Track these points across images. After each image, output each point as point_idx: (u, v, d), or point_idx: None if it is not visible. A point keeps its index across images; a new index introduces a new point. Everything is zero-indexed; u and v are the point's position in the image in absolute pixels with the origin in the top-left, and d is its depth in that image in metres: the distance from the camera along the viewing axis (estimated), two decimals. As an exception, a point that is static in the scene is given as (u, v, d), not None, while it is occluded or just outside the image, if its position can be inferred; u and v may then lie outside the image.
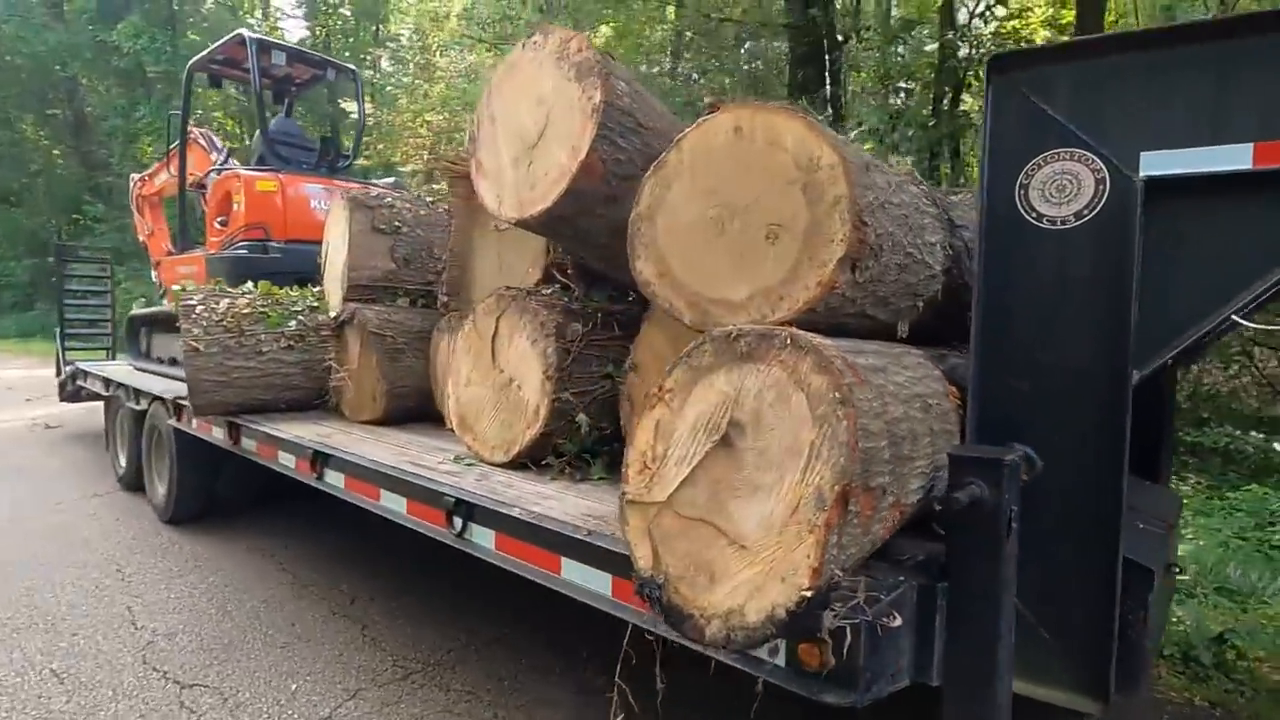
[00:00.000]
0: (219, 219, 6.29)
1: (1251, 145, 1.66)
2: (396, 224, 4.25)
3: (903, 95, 10.58)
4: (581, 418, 2.78)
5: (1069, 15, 9.68)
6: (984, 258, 1.85)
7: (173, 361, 6.09)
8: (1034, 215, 1.88)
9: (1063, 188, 1.88)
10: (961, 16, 10.40)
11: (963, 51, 9.54)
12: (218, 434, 4.27)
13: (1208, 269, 1.73)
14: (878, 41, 10.37)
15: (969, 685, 1.58)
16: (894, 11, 11.70)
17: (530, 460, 2.86)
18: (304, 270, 5.88)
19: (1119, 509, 1.77)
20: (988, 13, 10.06)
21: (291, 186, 6.10)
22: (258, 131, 6.58)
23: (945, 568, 1.61)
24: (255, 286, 4.51)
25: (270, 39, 7.00)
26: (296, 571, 4.37)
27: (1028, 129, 1.87)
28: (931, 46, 10.21)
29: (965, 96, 10.06)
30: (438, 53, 20.83)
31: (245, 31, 6.44)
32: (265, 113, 6.43)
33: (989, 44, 9.71)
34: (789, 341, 1.37)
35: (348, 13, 25.39)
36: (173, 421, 4.80)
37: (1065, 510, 1.79)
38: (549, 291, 3.02)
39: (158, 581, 4.18)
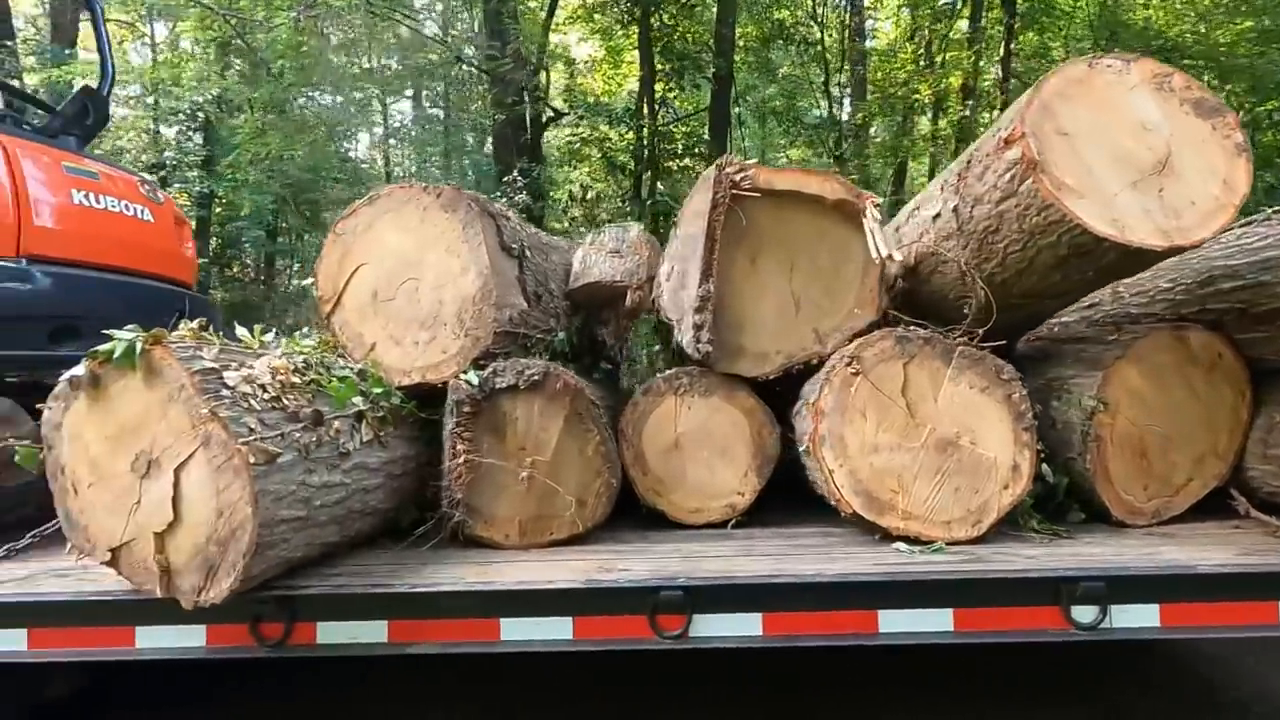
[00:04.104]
0: None
1: None
2: (522, 244, 2.87)
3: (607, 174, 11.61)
4: (1045, 468, 2.53)
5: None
6: None
7: None
8: None
9: None
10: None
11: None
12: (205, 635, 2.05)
13: None
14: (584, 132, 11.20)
15: None
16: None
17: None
18: (78, 316, 3.24)
19: None
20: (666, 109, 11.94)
21: (30, 157, 3.23)
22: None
23: None
24: (251, 332, 2.35)
25: None
26: None
27: None
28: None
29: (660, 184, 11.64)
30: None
31: None
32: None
33: (680, 136, 11.59)
34: None
35: None
36: None
37: None
38: (930, 331, 2.62)
39: None
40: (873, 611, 2.05)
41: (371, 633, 2.09)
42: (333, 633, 2.09)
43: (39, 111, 4.46)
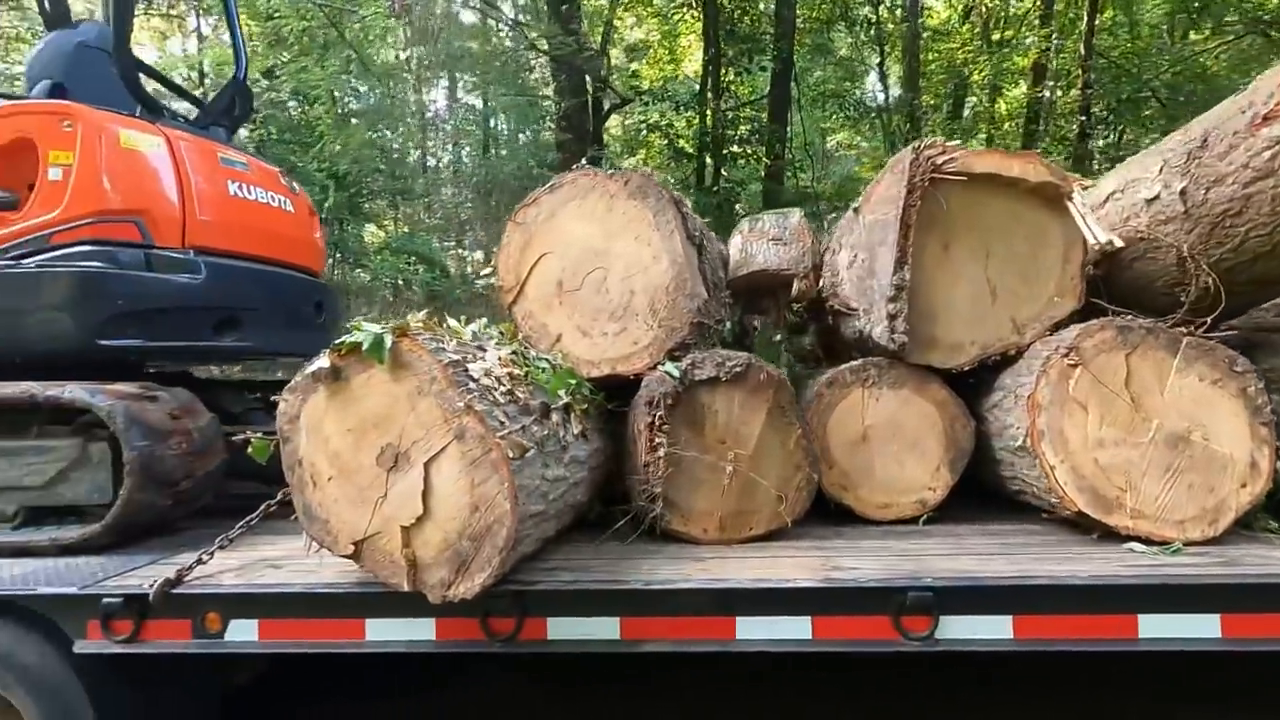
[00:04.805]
0: (-14, 193, 2.89)
1: None
2: (701, 231, 2.80)
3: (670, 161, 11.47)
4: None
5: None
6: None
7: None
8: None
9: None
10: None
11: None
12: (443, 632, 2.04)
13: None
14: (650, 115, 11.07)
15: None
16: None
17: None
18: (239, 307, 3.27)
19: None
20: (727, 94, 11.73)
21: (191, 150, 3.25)
22: (64, 34, 3.28)
23: None
24: (461, 322, 2.33)
25: None
26: None
27: None
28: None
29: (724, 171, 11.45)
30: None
31: None
32: None
33: (744, 121, 11.40)
34: None
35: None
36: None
37: None
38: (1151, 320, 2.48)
39: None
40: (1132, 616, 1.95)
41: (604, 629, 2.05)
42: (564, 629, 2.06)
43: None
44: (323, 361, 1.94)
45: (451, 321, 2.32)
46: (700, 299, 2.66)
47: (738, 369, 2.43)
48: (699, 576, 2.10)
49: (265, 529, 2.47)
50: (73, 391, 2.56)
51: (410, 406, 1.88)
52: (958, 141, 2.61)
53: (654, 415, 2.43)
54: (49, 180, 2.93)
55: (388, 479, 1.91)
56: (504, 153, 14.78)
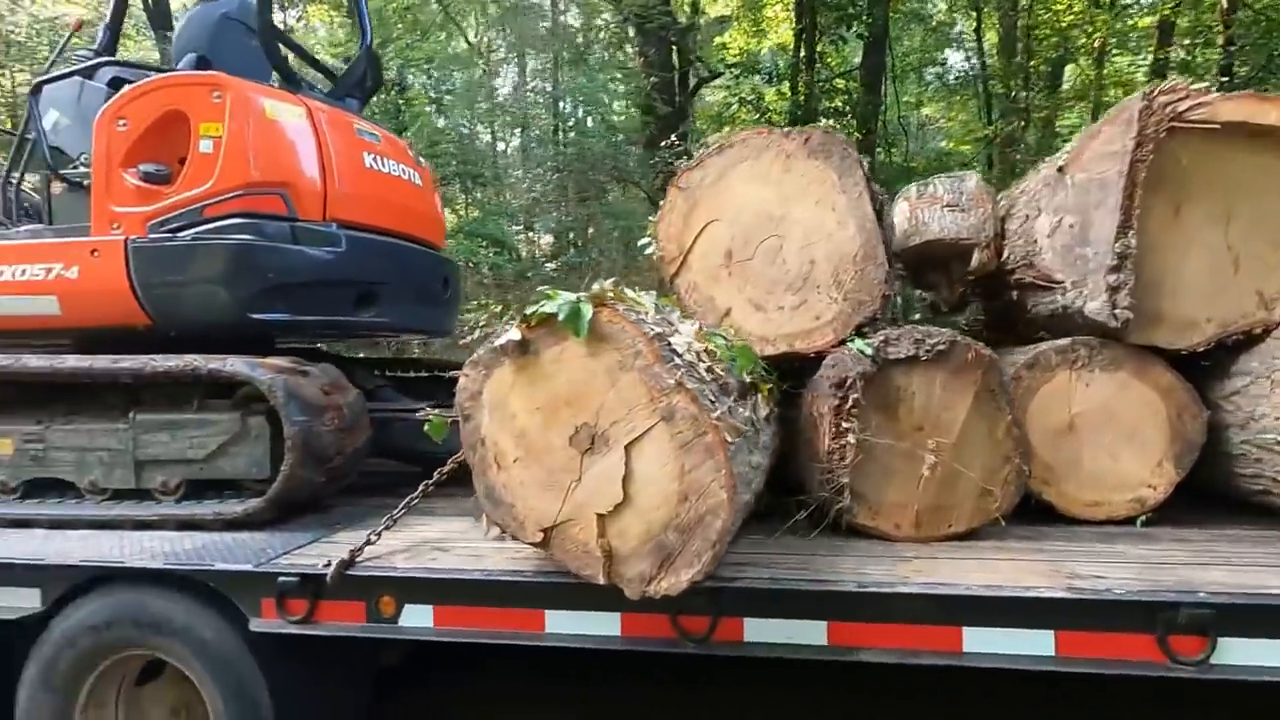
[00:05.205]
0: (143, 167, 2.90)
1: None
2: (880, 196, 2.53)
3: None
4: None
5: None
6: None
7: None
8: None
9: None
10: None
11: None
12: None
13: None
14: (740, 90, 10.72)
15: None
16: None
17: None
18: (378, 281, 3.20)
19: None
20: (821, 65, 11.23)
21: (331, 122, 3.19)
22: (207, 6, 3.29)
23: None
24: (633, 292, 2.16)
25: None
26: None
27: None
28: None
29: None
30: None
31: None
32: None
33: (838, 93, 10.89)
34: None
35: None
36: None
37: None
38: None
39: None
40: None
41: (809, 634, 1.85)
42: (763, 631, 1.87)
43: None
44: (511, 334, 1.80)
45: (629, 292, 2.14)
46: (886, 269, 2.41)
47: (940, 347, 2.16)
48: (915, 579, 1.87)
49: (416, 508, 2.39)
50: (234, 365, 2.52)
51: (610, 383, 1.71)
52: (1206, 85, 2.24)
53: (843, 397, 2.19)
54: (200, 153, 2.90)
55: (582, 462, 1.75)
56: (572, 134, 14.53)
